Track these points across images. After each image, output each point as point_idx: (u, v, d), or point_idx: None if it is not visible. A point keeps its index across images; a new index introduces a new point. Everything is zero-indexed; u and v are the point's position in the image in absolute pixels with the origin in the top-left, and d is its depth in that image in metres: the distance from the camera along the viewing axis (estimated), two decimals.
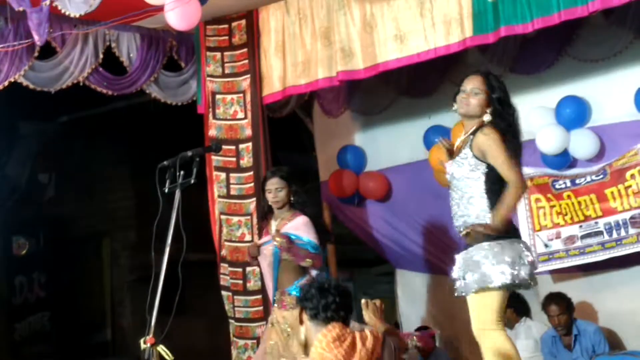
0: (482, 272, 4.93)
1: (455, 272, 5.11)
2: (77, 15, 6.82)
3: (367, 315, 4.74)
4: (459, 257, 5.12)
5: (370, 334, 4.30)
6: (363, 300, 4.62)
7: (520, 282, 4.97)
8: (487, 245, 4.96)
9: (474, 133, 5.09)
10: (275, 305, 6.42)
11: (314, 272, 6.35)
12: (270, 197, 6.46)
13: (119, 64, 7.65)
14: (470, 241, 5.05)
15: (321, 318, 4.18)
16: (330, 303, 4.23)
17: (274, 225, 6.49)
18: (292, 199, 6.47)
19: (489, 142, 4.97)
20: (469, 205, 5.05)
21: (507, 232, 5.02)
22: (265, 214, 6.69)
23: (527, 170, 7.64)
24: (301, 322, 4.23)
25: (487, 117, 5.10)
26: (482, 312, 4.99)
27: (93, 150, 11.95)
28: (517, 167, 5.02)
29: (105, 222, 12.47)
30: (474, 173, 5.05)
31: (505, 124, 5.07)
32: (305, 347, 4.28)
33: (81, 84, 7.44)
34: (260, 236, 6.89)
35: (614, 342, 7.47)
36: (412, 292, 9.07)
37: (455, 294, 5.11)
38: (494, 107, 5.09)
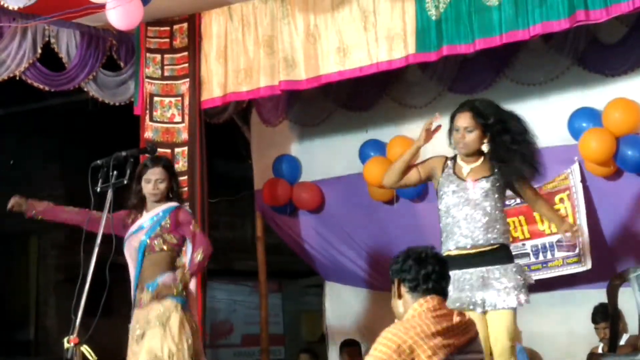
0: (518, 290, 5.13)
1: (482, 289, 5.15)
2: (16, 8, 6.74)
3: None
4: (480, 274, 5.17)
5: (467, 315, 4.20)
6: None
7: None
8: (513, 266, 5.19)
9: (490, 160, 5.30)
10: (136, 308, 5.79)
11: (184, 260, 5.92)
12: (149, 187, 5.81)
13: (58, 60, 7.57)
14: (488, 260, 5.16)
15: (421, 290, 3.99)
16: (430, 273, 4.03)
17: (146, 216, 5.84)
18: (170, 194, 5.89)
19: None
20: (496, 223, 5.21)
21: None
22: (135, 205, 5.91)
23: None
24: (399, 295, 4.12)
25: (485, 147, 5.29)
26: (513, 329, 5.19)
27: (25, 147, 11.77)
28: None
29: (34, 220, 12.29)
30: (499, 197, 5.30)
31: (506, 146, 5.26)
32: None
33: (17, 78, 7.33)
34: (123, 225, 5.95)
35: None
36: (340, 305, 9.09)
37: (487, 309, 5.16)
38: (492, 135, 5.27)
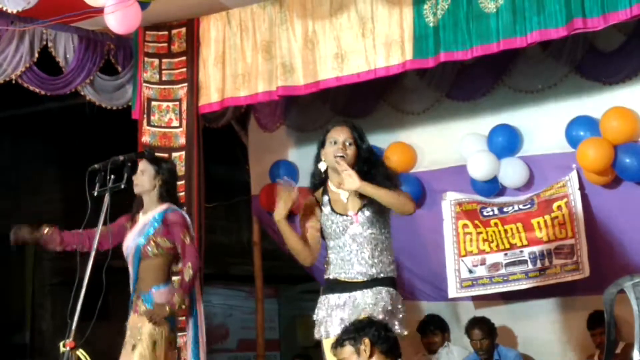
0: (400, 318, 4.98)
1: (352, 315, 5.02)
2: (15, 12, 6.73)
3: None
4: (356, 299, 5.07)
5: None
6: None
7: None
8: (394, 294, 5.06)
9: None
10: (131, 311, 5.84)
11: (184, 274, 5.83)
12: (134, 179, 5.79)
13: (55, 64, 7.56)
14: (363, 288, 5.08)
15: (392, 355, 4.39)
16: (395, 340, 4.49)
17: (141, 220, 5.88)
18: (160, 190, 5.87)
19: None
20: (381, 255, 5.21)
21: None
22: (137, 207, 5.97)
23: (457, 196, 7.73)
24: (371, 355, 4.36)
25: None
26: None
27: (22, 150, 11.77)
28: None
29: (31, 223, 12.26)
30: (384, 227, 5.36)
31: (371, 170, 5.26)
32: None
33: (14, 81, 7.33)
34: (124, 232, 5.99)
35: None
36: None
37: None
38: (365, 157, 5.25)
